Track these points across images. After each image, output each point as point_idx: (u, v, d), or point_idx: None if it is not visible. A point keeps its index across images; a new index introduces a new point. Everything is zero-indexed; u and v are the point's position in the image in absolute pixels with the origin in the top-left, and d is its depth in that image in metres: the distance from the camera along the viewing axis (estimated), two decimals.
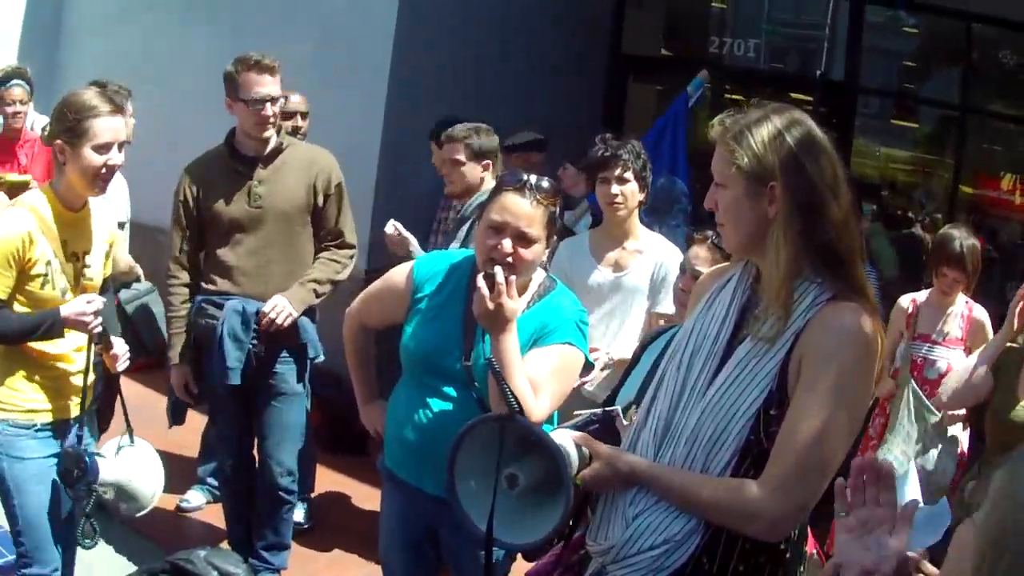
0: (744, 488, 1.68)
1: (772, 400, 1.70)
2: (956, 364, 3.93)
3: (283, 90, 3.53)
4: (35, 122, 4.83)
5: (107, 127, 2.65)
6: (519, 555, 2.23)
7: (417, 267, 2.57)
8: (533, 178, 2.39)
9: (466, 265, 2.52)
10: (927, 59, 8.27)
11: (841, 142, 1.83)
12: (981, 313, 4.22)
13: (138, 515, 2.94)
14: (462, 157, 3.93)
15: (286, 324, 3.46)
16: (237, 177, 3.51)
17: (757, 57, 8.17)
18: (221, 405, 3.63)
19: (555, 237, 2.48)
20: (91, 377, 2.82)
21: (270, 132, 3.50)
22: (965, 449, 4.15)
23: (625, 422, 2.00)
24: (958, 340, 4.20)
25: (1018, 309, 3.26)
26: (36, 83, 4.75)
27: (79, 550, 2.84)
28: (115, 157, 2.68)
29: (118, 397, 3.11)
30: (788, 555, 1.77)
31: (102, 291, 2.88)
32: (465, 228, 3.84)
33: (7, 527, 2.77)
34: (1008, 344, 3.04)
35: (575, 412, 2.59)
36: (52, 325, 2.61)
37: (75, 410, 2.78)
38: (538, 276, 2.50)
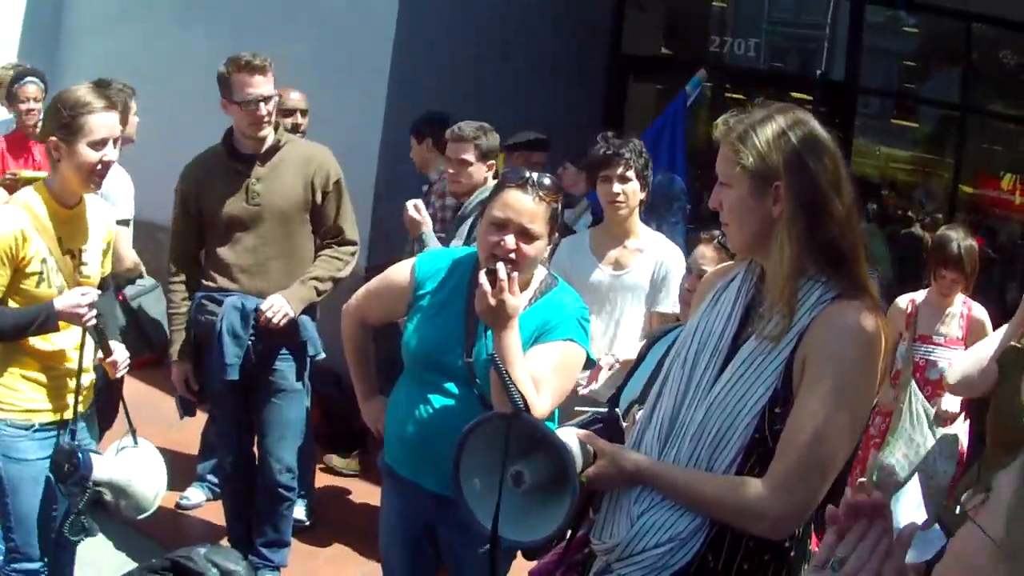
0: (747, 486, 1.68)
1: (777, 398, 1.70)
2: None
3: (283, 88, 3.53)
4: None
5: (102, 123, 2.63)
6: (519, 554, 2.23)
7: (419, 264, 2.57)
8: (535, 175, 2.39)
9: (468, 262, 2.52)
10: (927, 59, 8.28)
11: (841, 142, 1.83)
12: (980, 312, 4.22)
13: (140, 517, 2.91)
14: (471, 157, 3.94)
15: (282, 324, 3.46)
16: (235, 175, 3.51)
17: (757, 57, 8.18)
18: (221, 402, 3.63)
19: (556, 234, 2.48)
20: (90, 376, 2.81)
21: (266, 131, 3.49)
22: (964, 448, 4.15)
23: (625, 424, 2.00)
24: (958, 340, 4.20)
25: None
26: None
27: (79, 548, 2.83)
28: (110, 153, 2.66)
29: (121, 395, 3.09)
30: (793, 553, 1.77)
31: (101, 289, 2.85)
32: (467, 225, 3.84)
33: None
34: (1011, 344, 3.03)
35: (577, 409, 2.60)
36: (47, 319, 2.58)
37: (76, 407, 2.74)
38: (539, 273, 2.50)
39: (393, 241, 4.98)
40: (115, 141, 2.70)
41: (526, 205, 2.34)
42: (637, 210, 3.56)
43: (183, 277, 3.60)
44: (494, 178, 3.95)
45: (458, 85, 6.02)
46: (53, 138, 2.61)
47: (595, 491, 1.85)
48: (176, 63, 6.52)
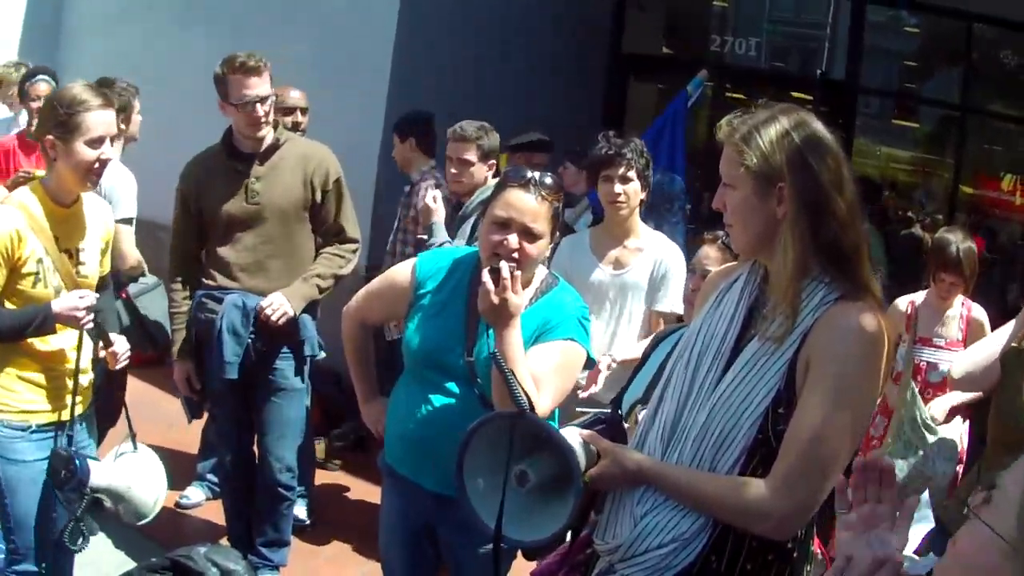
0: (750, 486, 1.69)
1: (780, 399, 1.71)
2: None
3: (282, 87, 3.53)
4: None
5: (99, 121, 2.61)
6: (519, 554, 2.23)
7: (419, 264, 2.57)
8: (536, 174, 2.40)
9: (468, 261, 2.52)
10: (928, 59, 8.28)
11: (842, 142, 1.84)
12: (980, 313, 4.22)
13: (141, 523, 2.87)
14: (473, 157, 3.95)
15: (282, 322, 3.46)
16: (235, 175, 3.51)
17: (758, 56, 8.18)
18: (220, 401, 3.63)
19: (557, 233, 2.48)
20: (88, 377, 2.78)
21: (264, 131, 3.49)
22: (964, 448, 4.15)
23: (628, 424, 2.00)
24: (958, 342, 4.20)
25: None
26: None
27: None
28: (108, 151, 2.64)
29: (124, 393, 3.06)
30: (795, 554, 1.77)
31: (100, 288, 2.84)
32: (469, 225, 3.84)
33: None
34: (1013, 345, 3.02)
35: (578, 410, 2.59)
36: (44, 320, 2.56)
37: (75, 409, 2.71)
38: (540, 273, 2.50)
39: None
40: (112, 139, 2.68)
41: (528, 204, 2.34)
42: (637, 210, 3.56)
43: (184, 276, 3.60)
44: (494, 177, 3.96)
45: (458, 85, 6.02)
46: (50, 137, 2.58)
47: (598, 491, 1.85)
48: (176, 63, 6.52)
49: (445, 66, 6.01)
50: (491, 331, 2.19)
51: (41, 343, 2.64)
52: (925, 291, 4.28)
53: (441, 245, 3.82)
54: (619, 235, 3.56)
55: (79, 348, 2.66)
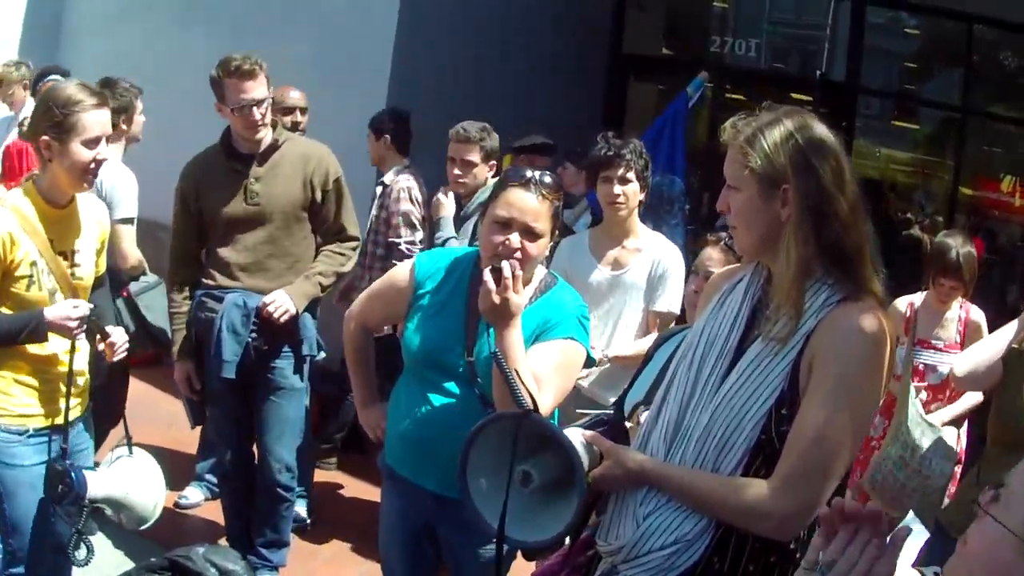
0: (751, 487, 1.69)
1: (783, 400, 1.71)
2: None
3: (282, 87, 3.52)
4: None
5: (95, 121, 2.58)
6: (518, 554, 2.23)
7: (418, 264, 2.57)
8: (537, 173, 2.40)
9: (467, 261, 2.52)
10: (927, 60, 8.29)
11: (843, 144, 1.84)
12: (978, 315, 4.22)
13: (142, 527, 2.84)
14: (476, 158, 3.96)
15: (284, 320, 3.46)
16: (234, 176, 3.50)
17: (758, 57, 8.18)
18: (220, 400, 3.62)
19: (557, 232, 2.48)
20: (84, 379, 2.76)
21: (262, 134, 3.48)
22: (963, 448, 4.16)
23: (630, 425, 2.00)
24: (956, 344, 4.21)
25: None
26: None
27: None
28: (104, 151, 2.62)
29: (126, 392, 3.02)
30: (798, 555, 1.77)
31: (96, 287, 2.81)
32: (471, 225, 3.85)
33: None
34: (1014, 346, 3.02)
35: (578, 411, 2.59)
36: (36, 327, 2.52)
37: (72, 413, 2.69)
38: (539, 272, 2.50)
39: None
40: (108, 139, 2.66)
41: (530, 204, 2.34)
42: (636, 210, 3.56)
43: (184, 276, 3.60)
44: (494, 178, 3.96)
45: (458, 85, 6.03)
46: (45, 137, 2.55)
47: (600, 492, 1.85)
48: (176, 63, 6.51)
49: (445, 66, 6.01)
50: (491, 331, 2.19)
51: (36, 347, 2.61)
52: (924, 293, 4.28)
53: (447, 241, 3.83)
54: (618, 235, 3.57)
55: (72, 351, 2.63)
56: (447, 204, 3.92)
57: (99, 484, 2.63)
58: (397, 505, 2.61)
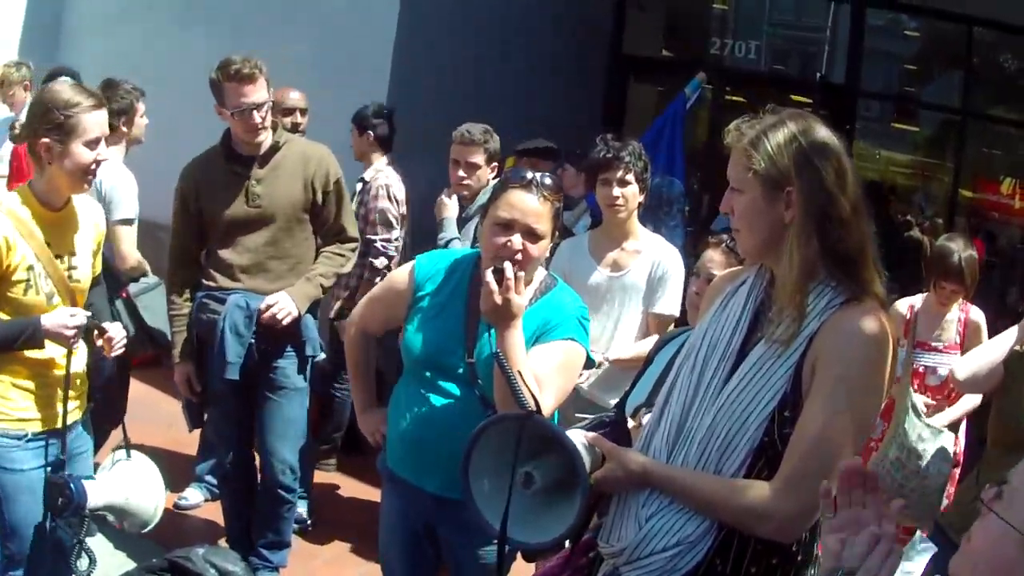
0: (753, 488, 1.69)
1: (786, 402, 1.71)
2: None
3: (282, 87, 3.51)
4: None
5: (95, 122, 2.57)
6: (518, 556, 2.23)
7: (418, 266, 2.57)
8: (538, 175, 2.40)
9: (467, 263, 2.52)
10: (927, 62, 8.29)
11: (845, 146, 1.85)
12: (977, 315, 4.23)
13: (144, 531, 2.83)
14: (480, 160, 3.96)
15: (286, 323, 3.45)
16: (235, 178, 3.49)
17: (757, 59, 8.18)
18: (221, 401, 3.61)
19: (557, 233, 2.48)
20: (80, 382, 2.73)
21: (262, 136, 3.48)
22: (962, 449, 4.16)
23: (632, 423, 2.00)
24: (956, 345, 4.22)
25: None
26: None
27: None
28: (103, 151, 2.61)
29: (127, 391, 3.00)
30: (800, 557, 1.77)
31: (92, 286, 2.79)
32: (472, 226, 3.85)
33: None
34: (1015, 348, 3.03)
35: (577, 415, 2.59)
36: (32, 335, 2.50)
37: (70, 416, 2.67)
38: (539, 273, 2.50)
39: None
40: (107, 140, 2.65)
41: (531, 205, 2.34)
42: (636, 212, 3.56)
43: (184, 278, 3.59)
44: (495, 180, 3.96)
45: (458, 85, 6.03)
46: (46, 140, 2.52)
47: (602, 494, 1.84)
48: (176, 63, 6.51)
49: (445, 66, 6.01)
50: (492, 332, 2.19)
51: (34, 351, 2.58)
52: (924, 295, 4.29)
53: (450, 242, 3.83)
54: (617, 237, 3.56)
55: (69, 355, 2.61)
56: (450, 205, 3.92)
57: (99, 493, 2.62)
58: (397, 506, 2.61)
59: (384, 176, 4.62)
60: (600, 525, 1.89)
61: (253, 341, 3.46)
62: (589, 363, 2.55)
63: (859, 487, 1.34)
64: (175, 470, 3.88)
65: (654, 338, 3.30)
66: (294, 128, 4.33)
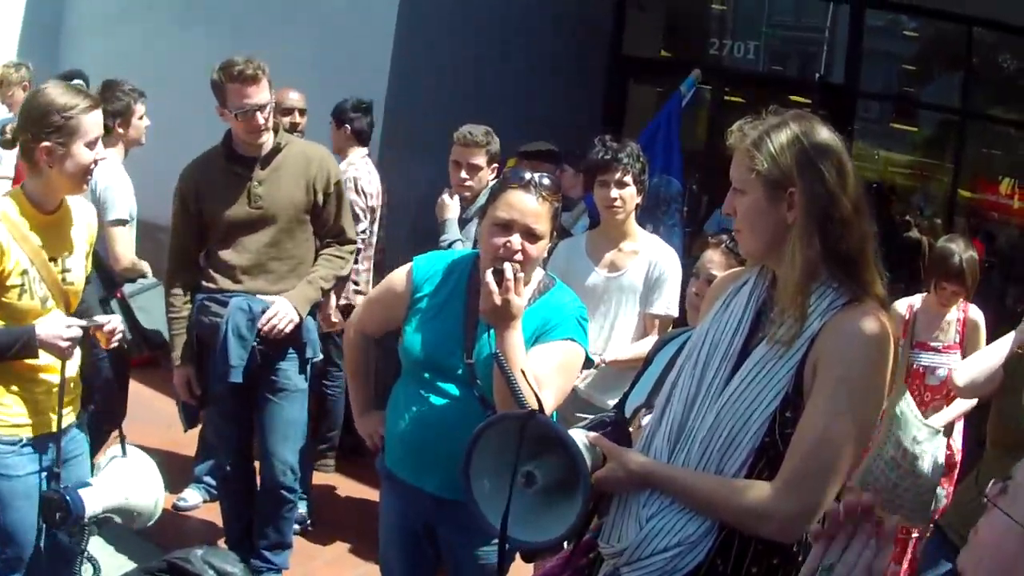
0: (754, 488, 1.70)
1: (788, 402, 1.72)
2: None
3: (282, 88, 3.50)
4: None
5: (94, 122, 2.56)
6: (517, 556, 2.23)
7: (416, 267, 2.57)
8: (536, 175, 2.41)
9: (465, 264, 2.52)
10: (927, 63, 8.29)
11: (846, 146, 1.86)
12: (976, 314, 4.23)
13: (147, 525, 2.80)
14: (482, 162, 3.96)
15: (288, 330, 3.45)
16: (236, 179, 3.49)
17: (757, 60, 8.18)
18: (220, 402, 3.61)
19: (556, 233, 2.49)
20: (75, 385, 2.72)
21: (264, 138, 3.48)
22: (958, 449, 4.17)
23: (632, 428, 2.00)
24: (955, 344, 4.22)
25: None
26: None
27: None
28: (101, 151, 2.60)
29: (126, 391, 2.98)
30: (801, 557, 1.77)
31: (84, 283, 2.77)
32: (473, 228, 3.85)
33: None
34: (1016, 350, 3.04)
35: (576, 415, 2.58)
36: (27, 344, 2.48)
37: (65, 420, 2.65)
38: (537, 274, 2.51)
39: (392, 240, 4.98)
40: (102, 140, 2.63)
41: (530, 205, 2.35)
42: (633, 213, 3.56)
43: (183, 280, 3.57)
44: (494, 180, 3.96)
45: (458, 85, 6.03)
46: (47, 144, 2.50)
47: (603, 494, 1.85)
48: (176, 63, 6.51)
49: (445, 66, 6.01)
50: (491, 332, 2.20)
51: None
52: (923, 295, 4.29)
53: (452, 244, 3.83)
54: (615, 238, 3.57)
55: (63, 373, 2.58)
56: (452, 206, 3.91)
57: (96, 499, 2.59)
58: (396, 506, 2.61)
59: (354, 169, 4.62)
60: (601, 525, 1.89)
61: (256, 343, 3.45)
62: (588, 363, 2.56)
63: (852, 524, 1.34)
64: (173, 471, 3.87)
65: (651, 339, 3.31)
66: (293, 128, 4.33)
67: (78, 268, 2.70)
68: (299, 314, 3.49)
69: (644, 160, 3.58)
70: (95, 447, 3.02)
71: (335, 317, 4.38)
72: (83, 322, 2.59)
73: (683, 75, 5.58)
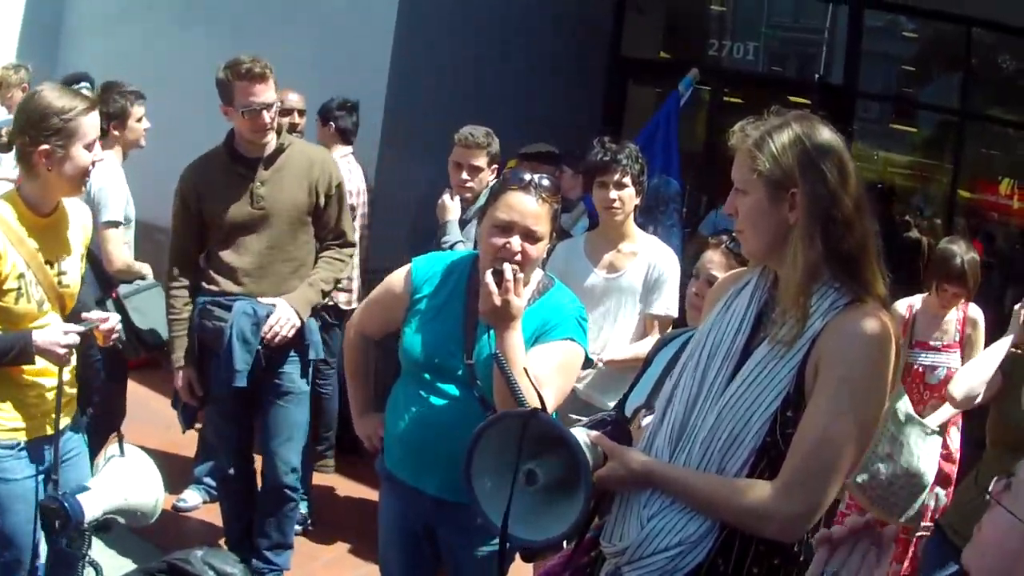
0: (755, 488, 1.70)
1: (789, 402, 1.72)
2: (956, 367, 3.96)
3: (282, 88, 3.50)
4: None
5: (92, 124, 2.56)
6: (516, 556, 2.23)
7: (415, 268, 2.57)
8: (535, 176, 2.41)
9: (464, 265, 2.53)
10: (926, 63, 8.30)
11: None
12: (976, 312, 4.24)
13: (149, 522, 2.78)
14: (483, 163, 3.96)
15: (290, 335, 3.45)
16: (238, 179, 3.48)
17: (756, 60, 8.19)
18: (221, 403, 3.60)
19: (555, 235, 2.49)
20: (72, 390, 2.72)
21: (269, 137, 3.48)
22: (959, 450, 4.17)
23: (633, 427, 2.00)
24: (955, 343, 4.23)
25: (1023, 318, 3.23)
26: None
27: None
28: (98, 152, 2.59)
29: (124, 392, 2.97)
30: (802, 558, 1.77)
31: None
32: (473, 229, 3.85)
33: None
34: (1014, 351, 3.05)
35: (572, 416, 2.58)
36: (22, 351, 2.47)
37: (61, 422, 2.64)
38: (537, 274, 2.51)
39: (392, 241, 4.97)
40: (101, 144, 2.63)
41: (530, 207, 2.35)
42: (632, 214, 3.57)
43: (184, 282, 3.56)
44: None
45: (458, 85, 6.03)
46: (46, 147, 2.49)
47: (604, 493, 1.85)
48: (176, 63, 6.51)
49: (445, 66, 6.01)
50: (491, 333, 2.20)
51: None
52: (923, 295, 4.30)
53: (454, 245, 3.83)
54: (614, 239, 3.57)
55: (60, 382, 2.59)
56: (452, 208, 3.91)
57: (95, 503, 2.56)
58: (396, 507, 2.61)
59: (347, 168, 4.62)
60: (602, 525, 1.89)
61: (260, 347, 3.43)
62: (588, 363, 2.56)
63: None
64: (173, 472, 3.87)
65: (649, 340, 3.31)
66: (292, 129, 4.34)
67: (74, 271, 2.69)
68: (300, 317, 3.49)
69: (643, 161, 3.58)
70: (96, 448, 3.02)
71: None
72: (81, 328, 2.58)
73: (682, 76, 5.58)
